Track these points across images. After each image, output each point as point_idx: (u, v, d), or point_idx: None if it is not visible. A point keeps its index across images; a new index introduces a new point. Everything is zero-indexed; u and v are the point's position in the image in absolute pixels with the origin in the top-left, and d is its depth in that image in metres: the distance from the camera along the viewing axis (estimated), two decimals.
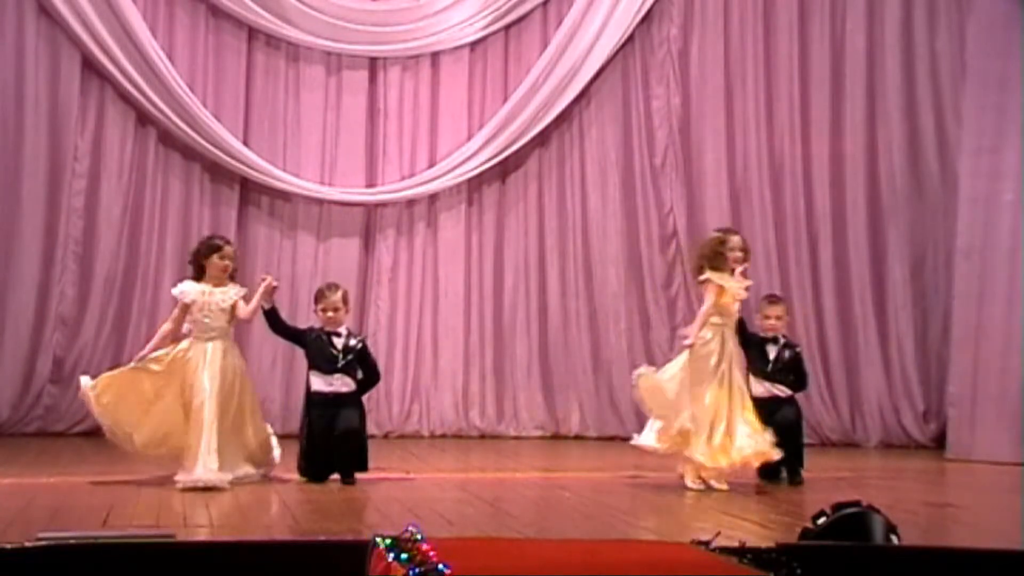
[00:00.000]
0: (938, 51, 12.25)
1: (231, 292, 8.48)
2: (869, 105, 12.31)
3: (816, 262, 12.24)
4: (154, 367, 8.30)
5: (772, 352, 9.13)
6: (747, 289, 8.74)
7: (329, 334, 8.66)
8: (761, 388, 9.03)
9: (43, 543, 5.02)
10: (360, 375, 8.72)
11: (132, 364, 8.44)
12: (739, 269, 8.68)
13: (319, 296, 8.81)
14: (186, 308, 8.40)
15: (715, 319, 8.57)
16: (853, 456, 11.36)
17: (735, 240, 8.85)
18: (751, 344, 9.11)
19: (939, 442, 11.62)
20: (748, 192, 12.30)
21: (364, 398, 8.83)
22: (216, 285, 8.47)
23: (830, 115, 12.34)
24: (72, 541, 5.08)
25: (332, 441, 8.48)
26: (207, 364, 8.26)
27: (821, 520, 5.51)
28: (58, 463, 9.19)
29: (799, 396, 9.34)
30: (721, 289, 8.58)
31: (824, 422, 11.98)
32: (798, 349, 9.41)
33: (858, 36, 12.33)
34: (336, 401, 8.55)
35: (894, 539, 5.44)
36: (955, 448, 11.02)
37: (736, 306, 8.66)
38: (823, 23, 12.38)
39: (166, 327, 8.51)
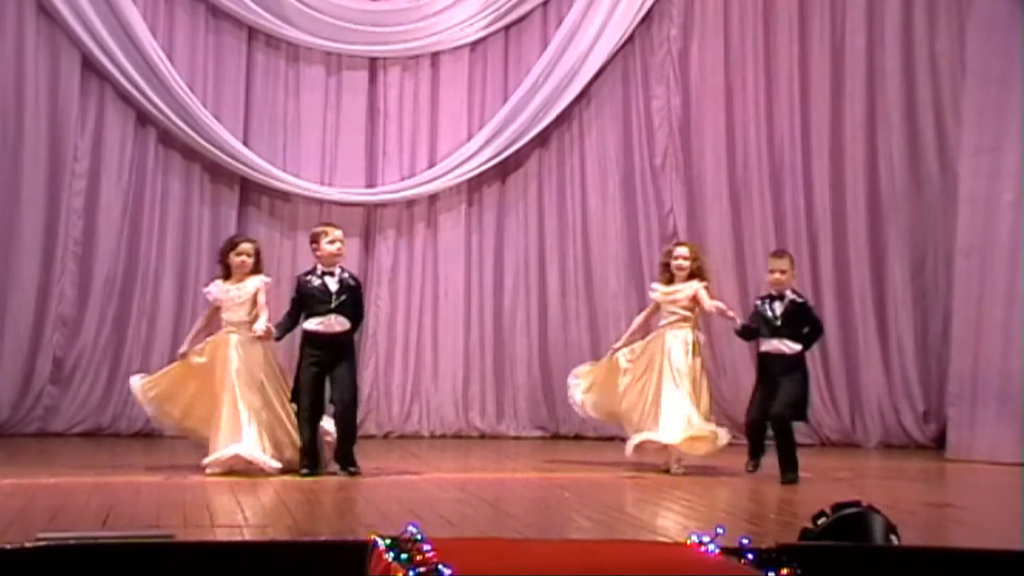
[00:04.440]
0: (938, 51, 12.24)
1: (249, 284, 8.88)
2: (869, 105, 12.30)
3: (816, 262, 12.23)
4: (197, 359, 8.92)
5: (778, 308, 9.22)
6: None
7: (323, 275, 8.82)
8: (768, 344, 9.23)
9: (43, 543, 5.02)
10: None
11: (176, 362, 9.07)
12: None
13: (321, 235, 8.94)
14: (216, 306, 8.95)
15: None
16: (853, 456, 11.37)
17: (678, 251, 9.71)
18: (753, 319, 9.40)
19: (939, 442, 11.62)
20: (748, 192, 12.30)
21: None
22: (238, 281, 8.91)
23: (830, 115, 12.33)
24: (72, 541, 5.08)
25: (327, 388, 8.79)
26: (231, 355, 8.75)
27: (821, 520, 5.51)
28: (58, 463, 9.19)
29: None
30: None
31: (824, 422, 11.97)
32: (802, 300, 9.42)
33: (858, 36, 12.32)
34: (332, 342, 8.74)
35: (894, 539, 5.44)
36: (955, 448, 11.01)
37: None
38: (823, 23, 12.37)
39: (199, 323, 9.18)
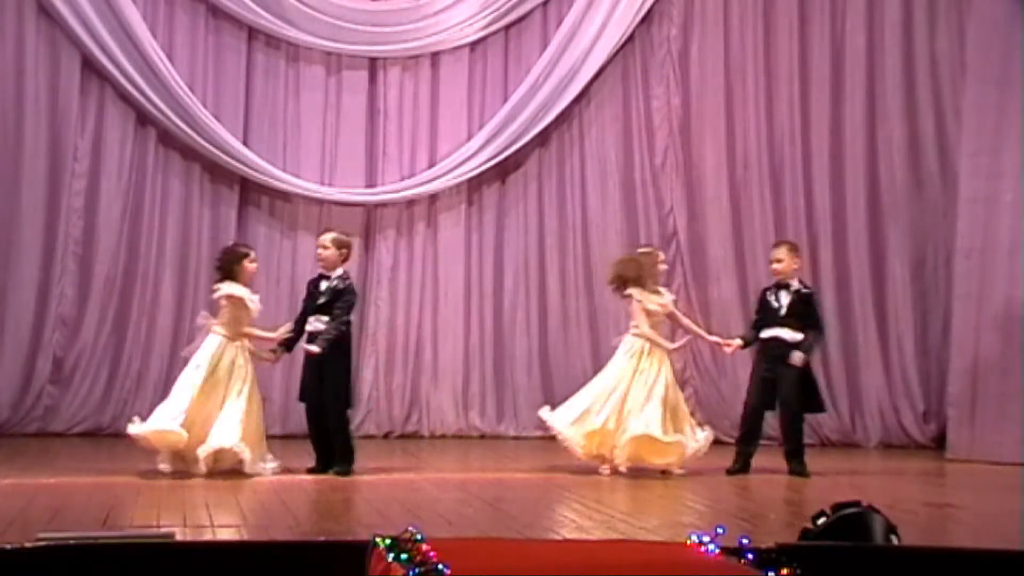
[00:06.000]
0: (938, 51, 12.24)
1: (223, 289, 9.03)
2: (869, 105, 12.30)
3: (816, 262, 12.22)
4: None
5: (784, 298, 9.49)
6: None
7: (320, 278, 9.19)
8: (769, 332, 9.47)
9: (43, 543, 5.02)
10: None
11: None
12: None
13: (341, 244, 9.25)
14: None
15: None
16: (853, 456, 11.37)
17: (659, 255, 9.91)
18: (758, 309, 9.72)
19: (939, 442, 11.62)
20: (748, 192, 12.30)
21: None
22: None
23: (830, 115, 12.34)
24: (72, 541, 5.08)
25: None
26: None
27: (821, 520, 5.52)
28: (58, 463, 9.20)
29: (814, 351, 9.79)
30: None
31: (824, 422, 11.95)
32: (807, 291, 9.72)
33: (858, 36, 12.33)
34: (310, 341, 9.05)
35: (894, 539, 5.45)
36: (955, 448, 11.02)
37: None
38: (823, 23, 12.37)
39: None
